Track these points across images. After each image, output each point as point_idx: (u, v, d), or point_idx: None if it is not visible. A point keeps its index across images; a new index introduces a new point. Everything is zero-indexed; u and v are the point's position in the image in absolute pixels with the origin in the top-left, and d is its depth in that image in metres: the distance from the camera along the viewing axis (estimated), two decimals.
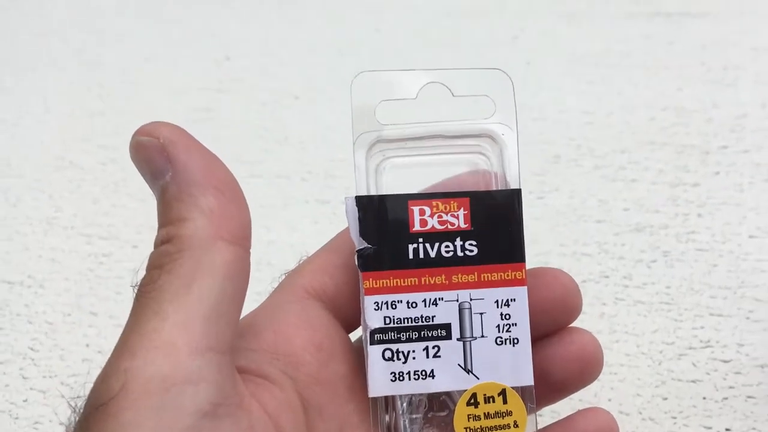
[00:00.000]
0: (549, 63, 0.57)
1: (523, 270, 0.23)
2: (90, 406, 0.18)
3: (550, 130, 0.51)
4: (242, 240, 0.21)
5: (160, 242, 0.20)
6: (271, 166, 0.49)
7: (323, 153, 0.50)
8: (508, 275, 0.23)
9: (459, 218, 0.23)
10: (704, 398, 0.34)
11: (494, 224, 0.23)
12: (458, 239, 0.23)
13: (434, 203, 0.23)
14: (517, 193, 0.23)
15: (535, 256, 0.42)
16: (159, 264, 0.20)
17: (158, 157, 0.20)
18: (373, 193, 0.24)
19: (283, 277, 0.25)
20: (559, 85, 0.55)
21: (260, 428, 0.20)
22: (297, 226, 0.45)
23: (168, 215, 0.20)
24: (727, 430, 0.32)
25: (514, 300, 0.23)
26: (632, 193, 0.45)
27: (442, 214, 0.23)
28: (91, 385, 0.19)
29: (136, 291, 0.20)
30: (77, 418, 0.19)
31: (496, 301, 0.23)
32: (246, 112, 0.54)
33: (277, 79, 0.58)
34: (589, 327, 0.37)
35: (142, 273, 0.20)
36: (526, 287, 0.23)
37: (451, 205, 0.23)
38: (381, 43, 0.60)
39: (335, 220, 0.45)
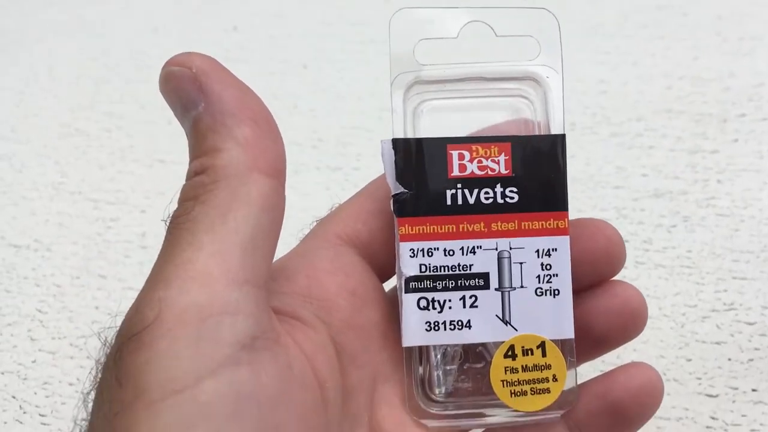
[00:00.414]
0: (564, 34, 0.56)
1: (566, 219, 0.22)
2: (122, 337, 0.17)
3: (566, 100, 0.50)
4: (278, 173, 0.20)
5: (193, 173, 0.19)
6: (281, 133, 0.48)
7: (334, 121, 0.50)
8: (549, 224, 0.22)
9: (500, 164, 0.22)
10: (729, 359, 0.33)
11: (536, 171, 0.22)
12: (498, 185, 0.22)
13: (474, 148, 0.22)
14: (561, 138, 0.22)
15: None
16: (193, 195, 0.19)
17: (190, 87, 0.19)
18: (410, 136, 0.22)
19: (315, 224, 0.24)
20: (575, 55, 0.54)
21: (298, 366, 0.19)
22: (309, 192, 0.44)
23: (201, 146, 0.19)
24: (753, 390, 0.32)
25: (556, 250, 0.22)
26: (650, 160, 0.45)
27: (482, 159, 0.22)
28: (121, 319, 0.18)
29: (168, 223, 0.19)
30: (108, 351, 0.18)
31: (537, 251, 0.22)
32: (254, 82, 0.53)
33: (286, 50, 0.57)
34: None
35: (174, 207, 0.20)
36: (568, 237, 0.22)
37: (492, 150, 0.22)
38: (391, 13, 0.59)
39: (347, 186, 0.44)
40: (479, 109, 0.23)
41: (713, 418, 0.31)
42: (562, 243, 0.22)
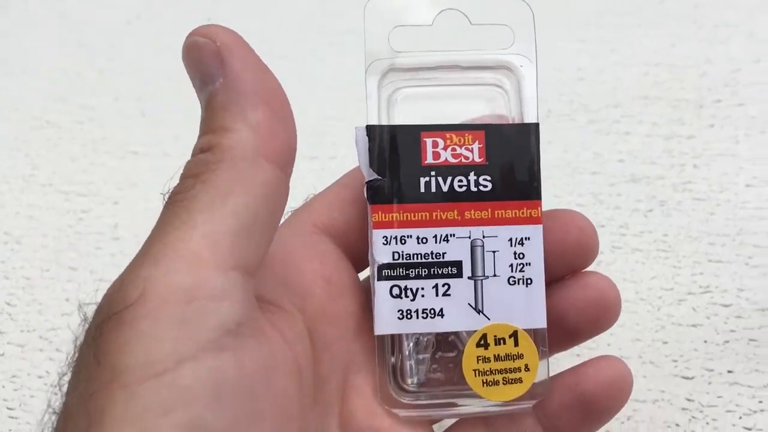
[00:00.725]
0: (542, 22, 0.56)
1: (539, 208, 0.22)
2: (103, 314, 0.17)
3: (541, 88, 0.50)
4: (284, 164, 0.19)
5: (198, 150, 0.19)
6: None
7: (312, 111, 0.49)
8: (523, 212, 0.22)
9: (473, 152, 0.22)
10: (705, 342, 0.33)
11: (510, 159, 0.22)
12: (472, 173, 0.22)
13: (448, 135, 0.22)
14: (535, 127, 0.22)
15: None
16: (195, 172, 0.18)
17: (212, 60, 0.19)
18: (384, 123, 0.22)
19: (290, 213, 0.24)
20: (552, 43, 0.54)
21: (281, 355, 0.19)
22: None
23: (211, 123, 0.19)
24: (729, 371, 0.32)
25: (529, 239, 0.22)
26: (627, 146, 0.45)
27: (456, 147, 0.22)
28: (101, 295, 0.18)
29: (166, 199, 0.18)
30: (87, 328, 0.17)
31: (510, 239, 0.22)
32: None
33: (263, 41, 0.56)
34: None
35: (175, 182, 0.19)
36: (541, 226, 0.22)
37: (466, 138, 0.22)
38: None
39: (324, 176, 0.44)
40: (453, 98, 0.23)
41: (689, 399, 0.31)
42: (535, 232, 0.22)
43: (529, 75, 0.22)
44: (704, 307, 0.35)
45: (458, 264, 0.22)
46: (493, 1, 0.22)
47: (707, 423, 0.30)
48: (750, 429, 0.30)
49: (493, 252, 0.22)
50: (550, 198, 0.42)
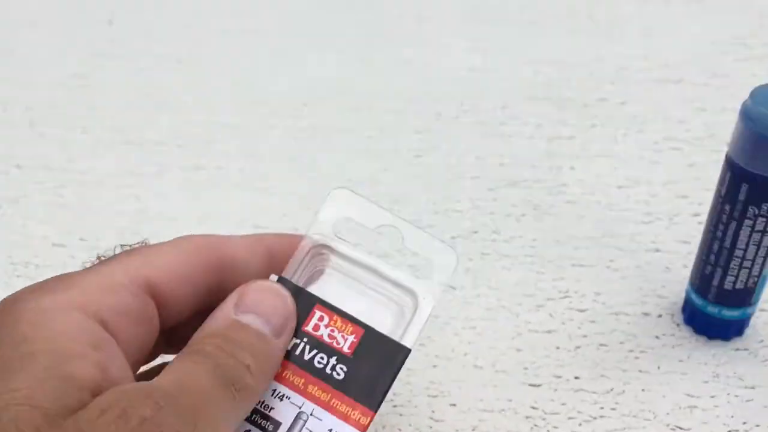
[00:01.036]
0: (438, 20, 0.56)
1: (370, 419, 0.23)
2: None
3: (434, 89, 0.50)
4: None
5: None
6: (147, 132, 0.48)
7: (203, 118, 0.49)
8: (354, 414, 0.23)
9: (346, 341, 0.23)
10: (557, 348, 0.34)
11: (371, 364, 0.23)
12: (334, 358, 0.23)
13: (335, 318, 0.24)
14: (406, 352, 0.24)
15: (407, 215, 0.41)
16: None
17: None
18: (296, 281, 0.24)
19: (101, 259, 0.23)
20: (445, 41, 0.54)
21: None
22: (168, 194, 0.44)
23: None
24: (576, 378, 0.33)
25: None
26: (510, 149, 0.45)
27: (335, 330, 0.24)
28: None
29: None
30: None
31: (330, 430, 0.22)
32: (126, 77, 0.52)
33: (162, 44, 0.55)
34: (455, 283, 0.37)
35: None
36: None
37: (347, 327, 0.24)
38: (272, 8, 0.59)
39: (208, 186, 0.44)
40: (361, 294, 0.25)
41: (534, 407, 0.32)
42: None
43: (425, 308, 0.24)
44: (561, 313, 0.36)
45: (277, 424, 0.22)
46: (430, 239, 0.25)
47: (548, 431, 0.31)
48: None
49: (310, 431, 0.23)
50: (429, 205, 0.43)
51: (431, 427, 0.31)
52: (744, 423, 0.31)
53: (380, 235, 0.25)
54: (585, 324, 0.35)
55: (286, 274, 0.24)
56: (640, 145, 0.45)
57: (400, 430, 0.31)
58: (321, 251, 0.25)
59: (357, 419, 0.22)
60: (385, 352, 0.23)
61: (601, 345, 0.34)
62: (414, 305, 0.24)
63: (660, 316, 0.35)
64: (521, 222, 0.40)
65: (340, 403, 0.23)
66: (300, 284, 0.24)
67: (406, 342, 0.24)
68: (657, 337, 0.34)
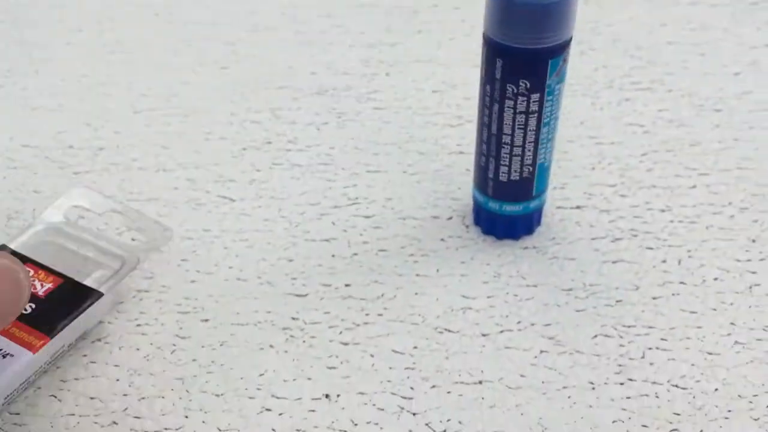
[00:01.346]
0: None
1: (43, 342, 0.25)
2: None
3: (254, 3, 0.46)
4: None
5: None
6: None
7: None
8: (29, 338, 0.25)
9: (43, 288, 0.27)
10: (333, 256, 0.31)
11: (60, 304, 0.26)
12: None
13: (40, 272, 0.27)
14: (98, 295, 0.27)
15: (199, 127, 0.37)
16: None
17: None
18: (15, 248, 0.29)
19: None
20: None
21: None
22: None
23: None
24: (346, 285, 0.29)
25: (13, 356, 0.25)
26: (325, 57, 0.42)
27: (36, 280, 0.27)
28: None
29: None
30: None
31: (1, 349, 0.25)
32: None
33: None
34: (236, 195, 0.33)
35: None
36: (32, 355, 0.25)
37: (48, 278, 0.27)
38: None
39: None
40: (74, 257, 0.29)
41: (294, 318, 0.28)
42: (21, 355, 0.25)
43: (129, 266, 0.29)
44: (345, 220, 0.32)
45: None
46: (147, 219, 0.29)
47: (304, 341, 0.28)
48: (347, 344, 0.28)
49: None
50: (226, 116, 0.39)
51: (175, 345, 0.28)
52: (518, 322, 0.28)
53: (107, 217, 0.31)
54: (368, 230, 0.32)
55: (10, 245, 0.29)
56: (463, 48, 0.42)
57: (138, 349, 0.28)
58: (50, 229, 0.30)
59: (30, 341, 0.25)
60: (78, 295, 0.27)
61: (381, 251, 0.31)
62: (121, 265, 0.29)
63: (450, 218, 0.32)
64: (321, 130, 0.37)
65: (18, 330, 0.25)
66: (20, 251, 0.28)
67: (103, 289, 0.27)
68: (442, 240, 0.31)
